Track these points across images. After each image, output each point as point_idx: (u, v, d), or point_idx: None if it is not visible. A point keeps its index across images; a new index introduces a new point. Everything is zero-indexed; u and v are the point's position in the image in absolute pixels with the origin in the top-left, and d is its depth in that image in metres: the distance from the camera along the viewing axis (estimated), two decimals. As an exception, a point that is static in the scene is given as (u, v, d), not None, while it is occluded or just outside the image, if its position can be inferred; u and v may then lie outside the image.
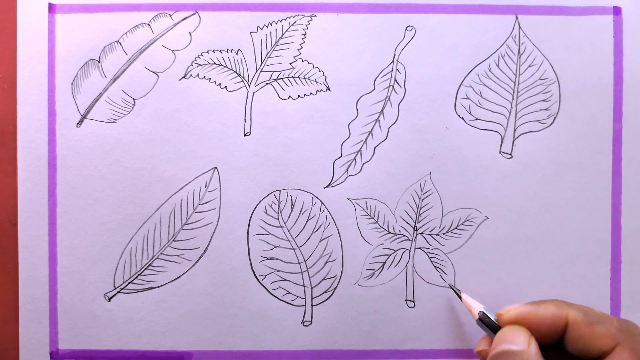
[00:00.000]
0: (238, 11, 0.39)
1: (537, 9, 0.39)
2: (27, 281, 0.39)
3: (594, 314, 0.30)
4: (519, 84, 0.39)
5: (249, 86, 0.39)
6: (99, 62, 0.39)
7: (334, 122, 0.39)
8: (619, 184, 0.39)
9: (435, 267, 0.39)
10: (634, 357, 0.28)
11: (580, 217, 0.39)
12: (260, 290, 0.39)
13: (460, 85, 0.39)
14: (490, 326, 0.33)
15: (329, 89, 0.39)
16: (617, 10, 0.39)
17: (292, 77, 0.39)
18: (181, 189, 0.39)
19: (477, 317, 0.34)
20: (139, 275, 0.39)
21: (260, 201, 0.39)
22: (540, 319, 0.31)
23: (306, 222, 0.39)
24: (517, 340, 0.30)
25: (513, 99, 0.39)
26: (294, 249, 0.39)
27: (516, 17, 0.39)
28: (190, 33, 0.39)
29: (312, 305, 0.39)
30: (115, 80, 0.39)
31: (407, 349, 0.39)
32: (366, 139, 0.39)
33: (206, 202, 0.39)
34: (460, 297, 0.37)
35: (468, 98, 0.39)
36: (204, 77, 0.39)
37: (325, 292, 0.39)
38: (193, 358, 0.39)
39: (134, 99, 0.39)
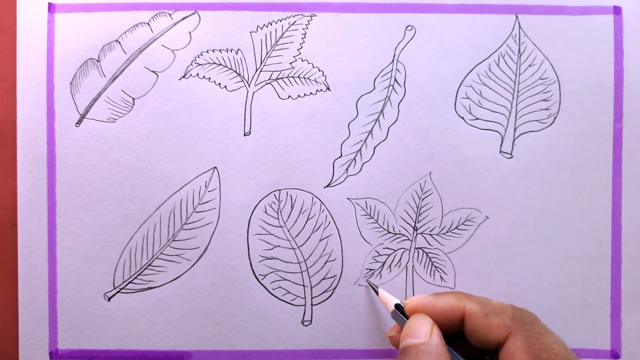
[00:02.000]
0: (238, 11, 0.39)
1: (537, 9, 0.39)
2: (26, 281, 0.39)
3: (490, 305, 0.31)
4: (519, 84, 0.39)
5: (249, 86, 0.39)
6: (98, 61, 0.39)
7: (334, 122, 0.39)
8: (619, 184, 0.39)
9: (435, 267, 0.39)
10: (526, 343, 0.29)
11: (580, 217, 0.39)
12: (260, 289, 0.39)
13: (460, 85, 0.39)
14: (404, 316, 0.34)
15: (329, 88, 0.39)
16: (617, 10, 0.39)
17: (292, 76, 0.39)
18: (181, 188, 0.39)
19: (391, 310, 0.35)
20: (138, 275, 0.39)
21: (260, 201, 0.39)
22: (439, 310, 0.32)
23: (306, 221, 0.39)
24: (419, 332, 0.31)
25: (513, 98, 0.39)
26: (293, 248, 0.39)
27: (516, 17, 0.39)
28: (189, 32, 0.39)
29: (311, 304, 0.39)
30: (114, 79, 0.39)
31: (407, 349, 0.39)
32: (366, 139, 0.39)
33: (206, 202, 0.39)
34: (377, 293, 0.37)
35: (468, 98, 0.39)
36: (204, 76, 0.39)
37: (325, 291, 0.39)
38: (193, 358, 0.39)
39: (133, 99, 0.39)
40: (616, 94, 0.39)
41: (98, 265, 0.39)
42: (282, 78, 0.39)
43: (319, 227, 0.39)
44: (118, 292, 0.39)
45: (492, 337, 0.30)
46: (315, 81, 0.39)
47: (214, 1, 0.39)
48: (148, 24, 0.39)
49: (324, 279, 0.39)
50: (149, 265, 0.39)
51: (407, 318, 0.33)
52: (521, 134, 0.39)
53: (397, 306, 0.35)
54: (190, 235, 0.39)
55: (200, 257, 0.39)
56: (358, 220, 0.39)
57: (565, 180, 0.39)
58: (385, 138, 0.39)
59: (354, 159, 0.39)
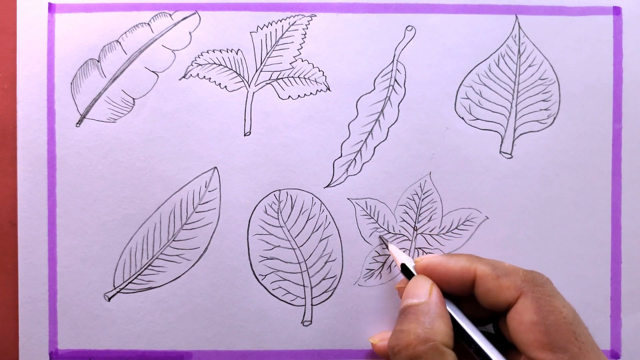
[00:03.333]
0: (238, 11, 0.39)
1: (537, 9, 0.39)
2: (26, 281, 0.39)
3: (502, 267, 0.31)
4: (519, 84, 0.40)
5: (249, 86, 0.39)
6: (98, 61, 0.39)
7: (334, 122, 0.39)
8: (619, 184, 0.39)
9: (435, 267, 0.39)
10: (535, 304, 0.29)
11: (580, 217, 0.39)
12: (260, 290, 0.39)
13: (460, 85, 0.39)
14: (409, 275, 0.35)
15: (329, 89, 0.39)
16: (617, 10, 0.39)
17: (292, 77, 0.39)
18: (181, 188, 0.39)
19: (399, 264, 0.36)
20: (138, 275, 0.39)
21: (260, 201, 0.39)
22: (450, 271, 0.32)
23: (306, 222, 0.39)
24: (419, 292, 0.32)
25: (513, 99, 0.39)
26: (293, 248, 0.39)
27: (516, 17, 0.39)
28: (190, 33, 0.39)
29: (312, 305, 0.39)
30: (114, 80, 0.39)
31: (407, 349, 0.39)
32: (366, 139, 0.39)
33: (206, 202, 0.39)
34: (387, 247, 0.38)
35: (468, 98, 0.39)
36: (204, 77, 0.39)
37: (325, 291, 0.39)
38: (193, 358, 0.39)
39: (133, 99, 0.39)
40: (615, 94, 0.39)
41: (98, 265, 0.39)
42: (282, 78, 0.39)
43: (319, 227, 0.39)
44: (118, 292, 0.39)
45: (502, 298, 0.30)
46: (315, 81, 0.39)
47: (214, 1, 0.39)
48: (148, 24, 0.39)
49: (324, 279, 0.39)
50: (149, 265, 0.39)
51: (415, 273, 0.34)
52: (521, 134, 0.39)
53: (405, 265, 0.35)
54: (190, 235, 0.39)
55: (200, 257, 0.39)
56: (358, 220, 0.39)
57: (565, 180, 0.39)
58: (385, 138, 0.39)
59: (354, 159, 0.39)
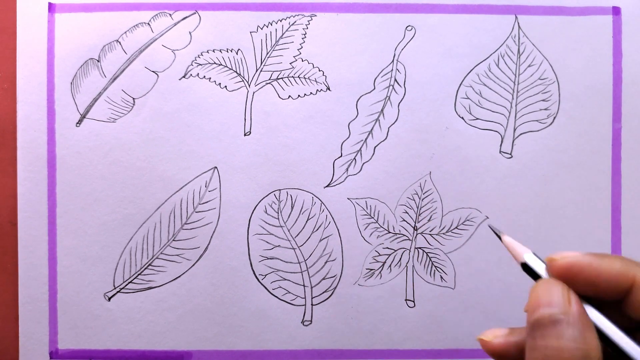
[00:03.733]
0: (238, 11, 0.39)
1: (537, 9, 0.39)
2: (27, 281, 0.39)
3: None
4: (518, 84, 0.40)
5: (249, 86, 0.39)
6: (98, 61, 0.39)
7: (334, 122, 0.39)
8: (619, 184, 0.39)
9: (435, 267, 0.39)
10: None
11: (580, 217, 0.39)
12: (260, 289, 0.39)
13: (460, 85, 0.39)
14: (535, 276, 0.28)
15: (329, 88, 0.39)
16: (616, 11, 0.39)
17: (292, 76, 0.39)
18: (181, 188, 0.39)
19: (521, 262, 0.28)
20: (138, 275, 0.39)
21: (260, 201, 0.39)
22: (602, 275, 0.26)
23: (306, 221, 0.39)
24: (554, 300, 0.25)
25: (513, 98, 0.40)
26: (293, 248, 0.39)
27: (516, 17, 0.39)
28: (190, 32, 0.39)
29: (312, 304, 0.39)
30: (114, 79, 0.39)
31: (407, 349, 0.39)
32: (366, 139, 0.39)
33: (206, 202, 0.39)
34: (500, 239, 0.30)
35: (468, 98, 0.39)
36: (204, 76, 0.39)
37: (325, 291, 0.39)
38: (193, 358, 0.39)
39: (133, 99, 0.39)
40: (615, 94, 0.39)
41: (98, 265, 0.39)
42: (282, 78, 0.39)
43: (319, 227, 0.39)
44: (118, 292, 0.39)
45: None
46: (316, 81, 0.39)
47: (214, 1, 0.39)
48: (148, 24, 0.39)
49: (324, 278, 0.39)
50: (149, 265, 0.39)
51: (545, 274, 0.27)
52: (521, 134, 0.39)
53: (528, 261, 0.28)
54: (190, 235, 0.39)
55: (200, 257, 0.39)
56: (358, 220, 0.39)
57: (565, 180, 0.39)
58: (385, 138, 0.39)
59: (354, 159, 0.39)
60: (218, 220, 0.39)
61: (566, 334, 0.24)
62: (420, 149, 0.39)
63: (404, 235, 0.39)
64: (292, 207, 0.39)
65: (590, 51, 0.39)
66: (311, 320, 0.39)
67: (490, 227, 0.30)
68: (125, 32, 0.39)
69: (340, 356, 0.39)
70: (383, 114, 0.39)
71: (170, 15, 0.39)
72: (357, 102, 0.39)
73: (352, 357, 0.39)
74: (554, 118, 0.39)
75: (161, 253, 0.39)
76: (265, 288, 0.39)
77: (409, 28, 0.39)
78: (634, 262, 0.26)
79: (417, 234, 0.39)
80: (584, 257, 0.26)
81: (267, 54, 0.39)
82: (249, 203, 0.39)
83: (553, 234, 0.39)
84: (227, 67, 0.39)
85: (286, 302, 0.39)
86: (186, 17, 0.39)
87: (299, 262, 0.39)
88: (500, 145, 0.39)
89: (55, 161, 0.39)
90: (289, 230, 0.39)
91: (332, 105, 0.39)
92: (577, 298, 0.25)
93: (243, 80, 0.39)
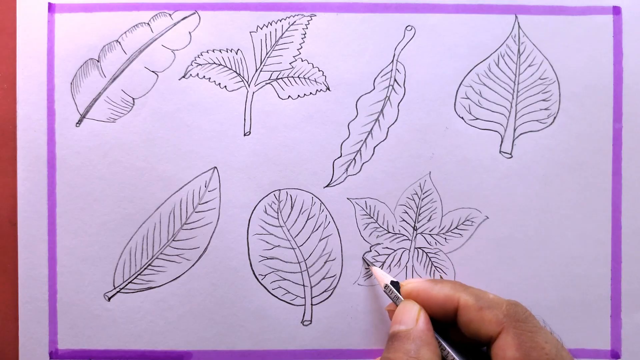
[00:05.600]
0: (238, 11, 0.39)
1: (537, 9, 0.39)
2: (26, 281, 0.39)
3: (485, 299, 0.31)
4: (518, 84, 0.39)
5: (249, 86, 0.39)
6: (98, 61, 0.39)
7: (334, 122, 0.39)
8: (619, 183, 0.39)
9: (435, 267, 0.39)
10: (517, 340, 0.29)
11: (580, 217, 0.39)
12: (260, 289, 0.39)
13: (460, 85, 0.39)
14: (394, 297, 0.35)
15: (328, 88, 0.39)
16: (616, 10, 0.39)
17: (292, 76, 0.39)
18: (181, 188, 0.39)
19: (383, 286, 0.36)
20: (138, 275, 0.39)
21: (260, 201, 0.39)
22: (433, 298, 0.32)
23: (306, 221, 0.39)
24: (406, 318, 0.32)
25: (513, 98, 0.39)
26: (293, 248, 0.39)
27: (516, 17, 0.39)
28: (189, 33, 0.39)
29: (311, 304, 0.39)
30: (114, 79, 0.39)
31: (406, 349, 0.39)
32: (366, 139, 0.39)
33: (206, 202, 0.39)
34: (369, 268, 0.38)
35: (468, 98, 0.39)
36: (204, 76, 0.39)
37: (324, 291, 0.39)
38: (193, 358, 0.39)
39: (133, 99, 0.39)
40: (615, 94, 0.39)
41: (98, 265, 0.39)
42: (282, 78, 0.39)
43: (319, 227, 0.39)
44: (118, 292, 0.39)
45: (484, 331, 0.30)
46: (315, 81, 0.39)
47: (214, 1, 0.39)
48: (148, 24, 0.39)
49: (323, 278, 0.39)
50: (149, 265, 0.39)
51: (400, 296, 0.34)
52: (521, 134, 0.39)
53: (393, 283, 0.35)
54: (190, 235, 0.39)
55: (200, 257, 0.39)
56: (358, 220, 0.39)
57: (565, 180, 0.39)
58: (385, 138, 0.39)
59: (354, 159, 0.39)
60: (218, 221, 0.39)
61: (404, 348, 0.30)
62: (420, 149, 0.39)
63: (404, 235, 0.39)
64: (292, 207, 0.39)
65: (590, 51, 0.39)
66: (311, 320, 0.39)
67: (363, 258, 0.39)
68: (125, 32, 0.39)
69: (340, 356, 0.39)
70: (383, 114, 0.39)
71: (170, 15, 0.39)
72: (356, 102, 0.39)
73: (352, 357, 0.39)
74: (554, 118, 0.39)
75: (161, 253, 0.39)
76: (265, 288, 0.39)
77: (409, 28, 0.39)
78: (463, 286, 0.32)
79: (416, 234, 0.39)
80: (421, 283, 0.33)
81: (267, 54, 0.39)
82: (248, 203, 0.39)
83: (553, 234, 0.39)
84: (226, 67, 0.39)
85: (286, 302, 0.39)
86: (186, 17, 0.39)
87: (299, 262, 0.39)
88: (500, 145, 0.39)
89: (55, 161, 0.39)
90: (288, 230, 0.39)
91: (332, 105, 0.39)
92: (426, 318, 0.31)
93: (243, 80, 0.39)
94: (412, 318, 0.31)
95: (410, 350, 0.30)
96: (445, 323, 0.32)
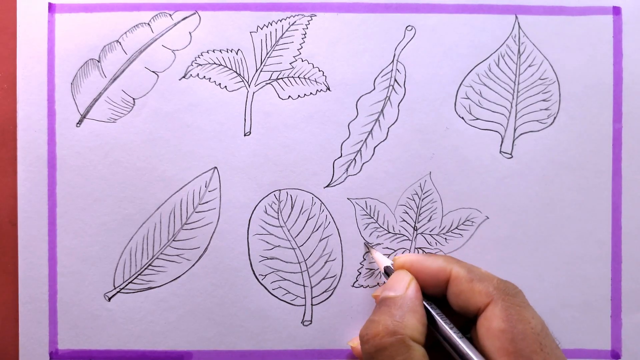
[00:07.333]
0: (238, 11, 0.39)
1: (537, 9, 0.39)
2: (27, 281, 0.39)
3: (477, 272, 0.32)
4: (519, 84, 0.40)
5: (249, 86, 0.39)
6: (98, 61, 0.39)
7: (334, 122, 0.39)
8: (619, 184, 0.39)
9: (435, 267, 0.39)
10: (504, 312, 0.29)
11: (580, 217, 0.39)
12: (260, 290, 0.39)
13: (460, 85, 0.39)
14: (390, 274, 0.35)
15: (329, 88, 0.39)
16: (616, 10, 0.39)
17: (292, 77, 0.39)
18: (181, 188, 0.39)
19: (382, 269, 0.36)
20: (138, 275, 0.39)
21: (260, 201, 0.39)
22: (426, 270, 0.33)
23: (306, 221, 0.39)
24: (397, 285, 0.32)
25: (513, 98, 0.39)
26: (293, 248, 0.39)
27: (516, 17, 0.39)
28: (190, 33, 0.39)
29: (312, 304, 0.39)
30: (115, 80, 0.39)
31: (407, 349, 0.39)
32: (366, 139, 0.39)
33: (206, 202, 0.39)
34: (370, 252, 0.39)
35: (468, 98, 0.39)
36: (204, 77, 0.39)
37: (325, 291, 0.39)
38: (193, 358, 0.39)
39: (133, 99, 0.39)
40: (615, 94, 0.39)
41: (98, 265, 0.39)
42: (282, 78, 0.39)
43: (319, 227, 0.39)
44: (118, 292, 0.39)
45: (473, 302, 0.31)
46: (315, 81, 0.39)
47: (214, 1, 0.39)
48: (148, 24, 0.39)
49: (324, 278, 0.39)
50: (149, 265, 0.39)
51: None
52: (521, 134, 0.39)
53: (389, 268, 0.36)
54: (190, 235, 0.39)
55: (200, 257, 0.39)
56: (358, 220, 0.39)
57: (565, 180, 0.39)
58: (385, 138, 0.39)
59: (354, 159, 0.39)
60: (218, 221, 0.39)
61: (390, 312, 0.30)
62: (420, 149, 0.39)
63: (404, 235, 0.39)
64: (292, 207, 0.39)
65: (590, 51, 0.39)
66: (311, 320, 0.39)
67: (365, 243, 0.39)
68: (126, 33, 0.39)
69: (340, 356, 0.39)
70: (383, 114, 0.39)
71: (170, 15, 0.39)
72: (357, 102, 0.39)
73: (352, 357, 0.39)
74: (554, 118, 0.39)
75: (161, 253, 0.39)
76: (265, 288, 0.39)
77: (409, 28, 0.39)
78: (455, 260, 0.33)
79: (417, 234, 0.39)
80: (415, 256, 0.34)
81: (267, 54, 0.39)
82: (249, 203, 0.39)
83: (553, 234, 0.39)
84: (227, 67, 0.39)
85: (286, 302, 0.39)
86: (186, 18, 0.39)
87: (299, 262, 0.39)
88: (501, 145, 0.39)
89: (55, 161, 0.39)
90: (289, 231, 0.39)
91: (332, 105, 0.39)
92: (417, 287, 0.32)
93: (243, 81, 0.39)
94: (402, 286, 0.32)
95: (395, 315, 0.30)
96: (436, 298, 0.33)
